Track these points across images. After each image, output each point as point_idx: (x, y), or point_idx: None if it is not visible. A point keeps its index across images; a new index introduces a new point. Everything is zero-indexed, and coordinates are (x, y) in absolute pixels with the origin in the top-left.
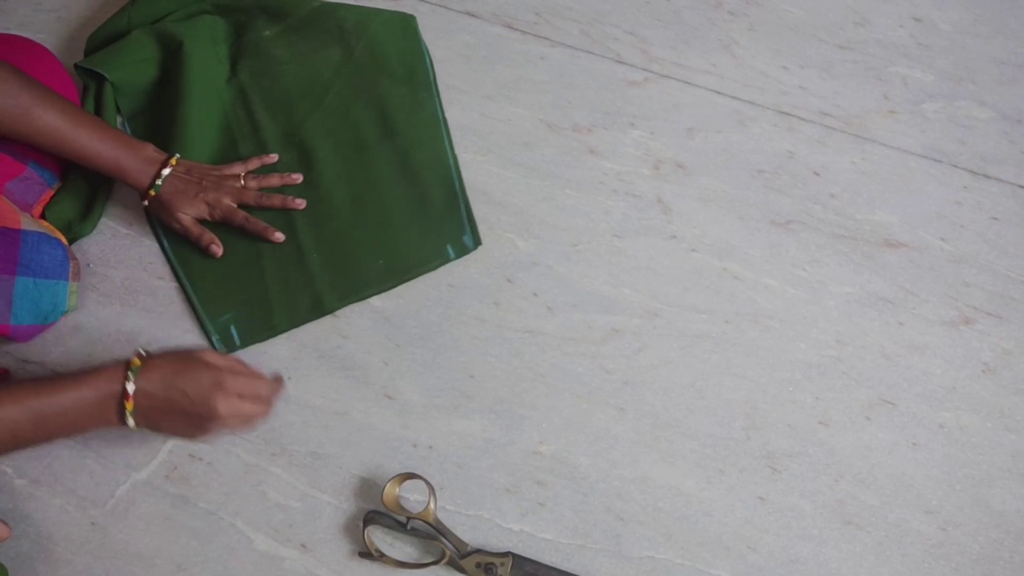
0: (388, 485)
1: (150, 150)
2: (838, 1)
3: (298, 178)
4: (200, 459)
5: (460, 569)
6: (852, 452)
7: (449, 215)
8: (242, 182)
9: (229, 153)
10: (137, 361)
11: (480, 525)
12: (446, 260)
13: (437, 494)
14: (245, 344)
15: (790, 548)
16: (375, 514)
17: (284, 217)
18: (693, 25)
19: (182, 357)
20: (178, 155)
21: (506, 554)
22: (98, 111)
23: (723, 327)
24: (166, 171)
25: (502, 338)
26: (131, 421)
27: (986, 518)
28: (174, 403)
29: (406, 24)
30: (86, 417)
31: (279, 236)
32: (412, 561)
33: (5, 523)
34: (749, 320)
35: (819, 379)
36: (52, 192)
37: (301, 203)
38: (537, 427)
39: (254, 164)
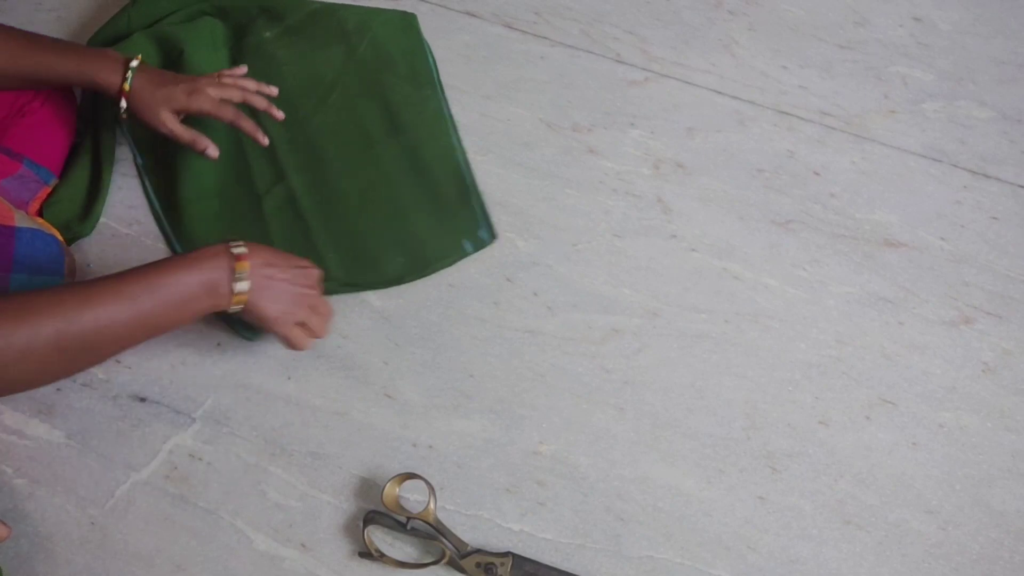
0: (388, 485)
1: (113, 53)
2: (838, 1)
3: (274, 90)
4: (200, 459)
5: (460, 569)
6: (852, 452)
7: (462, 210)
8: (219, 80)
9: (236, 157)
10: (236, 242)
11: (480, 525)
12: (463, 255)
13: (437, 494)
14: (253, 338)
15: (790, 548)
16: (375, 514)
17: (297, 216)
18: (693, 25)
19: (271, 248)
20: (140, 56)
21: (506, 554)
22: (95, 116)
23: (723, 327)
24: (134, 63)
25: (502, 338)
26: (242, 285)
27: (986, 518)
28: (278, 275)
29: (408, 23)
30: (197, 298)
31: (265, 140)
32: (412, 561)
33: (5, 523)
34: (749, 320)
35: (819, 379)
36: (49, 189)
37: (280, 114)
38: (537, 427)
39: (228, 71)
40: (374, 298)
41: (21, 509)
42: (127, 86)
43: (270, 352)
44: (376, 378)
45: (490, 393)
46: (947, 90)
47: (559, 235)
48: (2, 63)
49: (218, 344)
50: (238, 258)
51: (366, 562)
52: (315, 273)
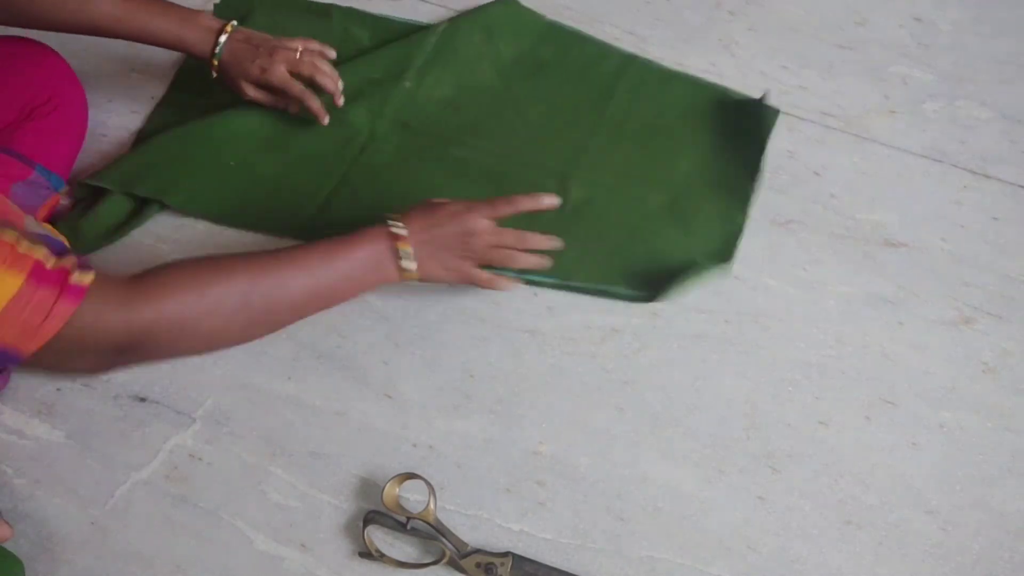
0: (388, 485)
1: (207, 19)
2: (838, 1)
3: (338, 82)
4: (200, 459)
5: (460, 569)
6: (852, 452)
7: (744, 120)
8: (298, 56)
9: (486, 182)
10: (392, 216)
11: (480, 525)
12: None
13: (437, 494)
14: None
15: (790, 548)
16: (375, 514)
17: (600, 218)
18: (693, 25)
19: (425, 203)
20: (235, 22)
21: (506, 554)
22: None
23: (723, 327)
24: (223, 38)
25: (502, 338)
26: (411, 264)
27: (986, 518)
28: (437, 235)
29: (515, 7)
30: (365, 274)
31: (327, 120)
32: (412, 561)
33: (7, 523)
34: (749, 320)
35: (819, 379)
36: (58, 197)
37: (341, 101)
38: (537, 427)
39: (315, 45)
40: (374, 298)
41: (21, 509)
42: (215, 61)
43: (270, 352)
44: (376, 378)
45: (490, 393)
46: (947, 90)
47: None
48: (109, 22)
49: None
50: (396, 238)
51: (366, 562)
52: (468, 215)
